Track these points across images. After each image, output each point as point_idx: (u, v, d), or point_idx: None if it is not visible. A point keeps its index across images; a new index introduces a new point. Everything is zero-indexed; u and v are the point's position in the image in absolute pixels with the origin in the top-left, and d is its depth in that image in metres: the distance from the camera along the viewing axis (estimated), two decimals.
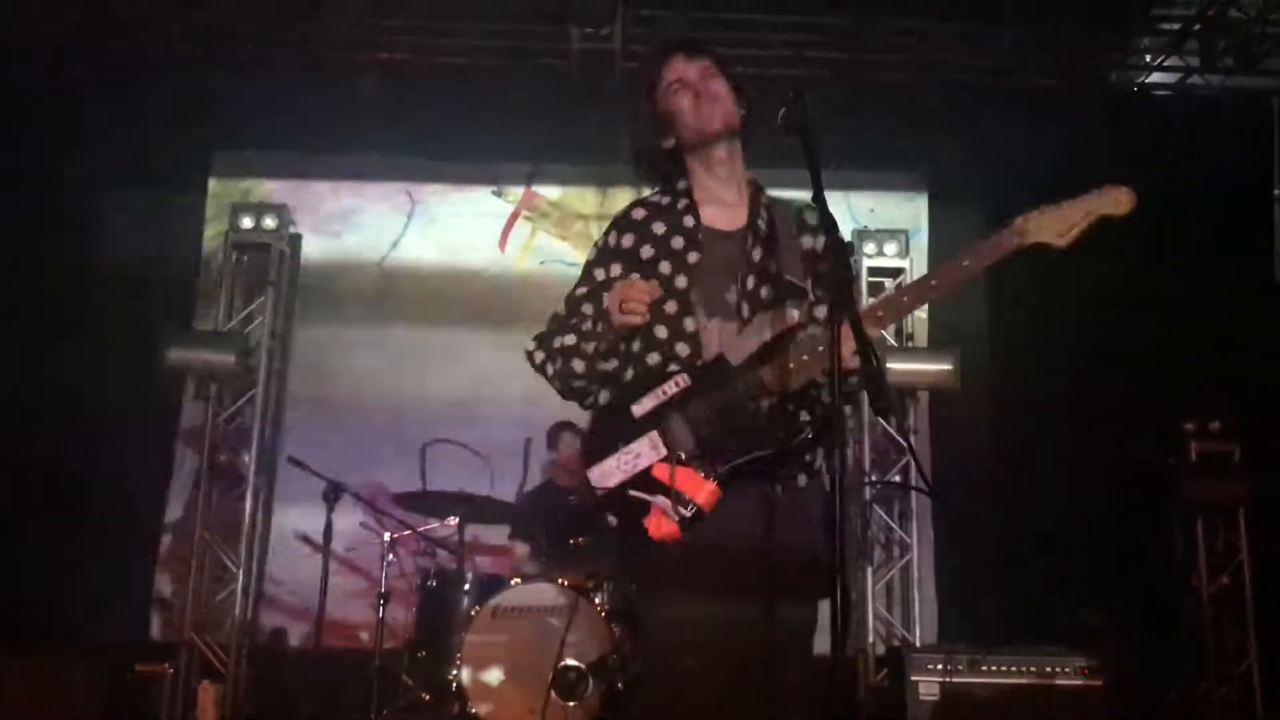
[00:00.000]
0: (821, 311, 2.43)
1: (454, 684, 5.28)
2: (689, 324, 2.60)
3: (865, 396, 2.66)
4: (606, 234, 2.83)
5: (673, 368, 2.56)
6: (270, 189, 7.52)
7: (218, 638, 6.67)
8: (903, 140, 7.07)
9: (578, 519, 5.78)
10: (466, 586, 5.55)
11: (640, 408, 2.53)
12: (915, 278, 6.67)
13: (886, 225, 7.26)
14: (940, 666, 5.10)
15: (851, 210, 7.42)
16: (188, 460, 7.06)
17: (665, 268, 2.66)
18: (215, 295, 7.15)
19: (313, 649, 5.80)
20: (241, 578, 6.67)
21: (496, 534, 6.38)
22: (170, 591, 6.86)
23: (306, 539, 6.53)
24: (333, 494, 5.77)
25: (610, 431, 2.55)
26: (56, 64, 6.25)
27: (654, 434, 2.50)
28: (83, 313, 6.98)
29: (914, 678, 5.11)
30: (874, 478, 6.93)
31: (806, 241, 2.71)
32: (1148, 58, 6.63)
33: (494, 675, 5.26)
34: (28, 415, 6.59)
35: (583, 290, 2.80)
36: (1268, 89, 6.59)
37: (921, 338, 7.22)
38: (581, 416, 6.57)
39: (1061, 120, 6.70)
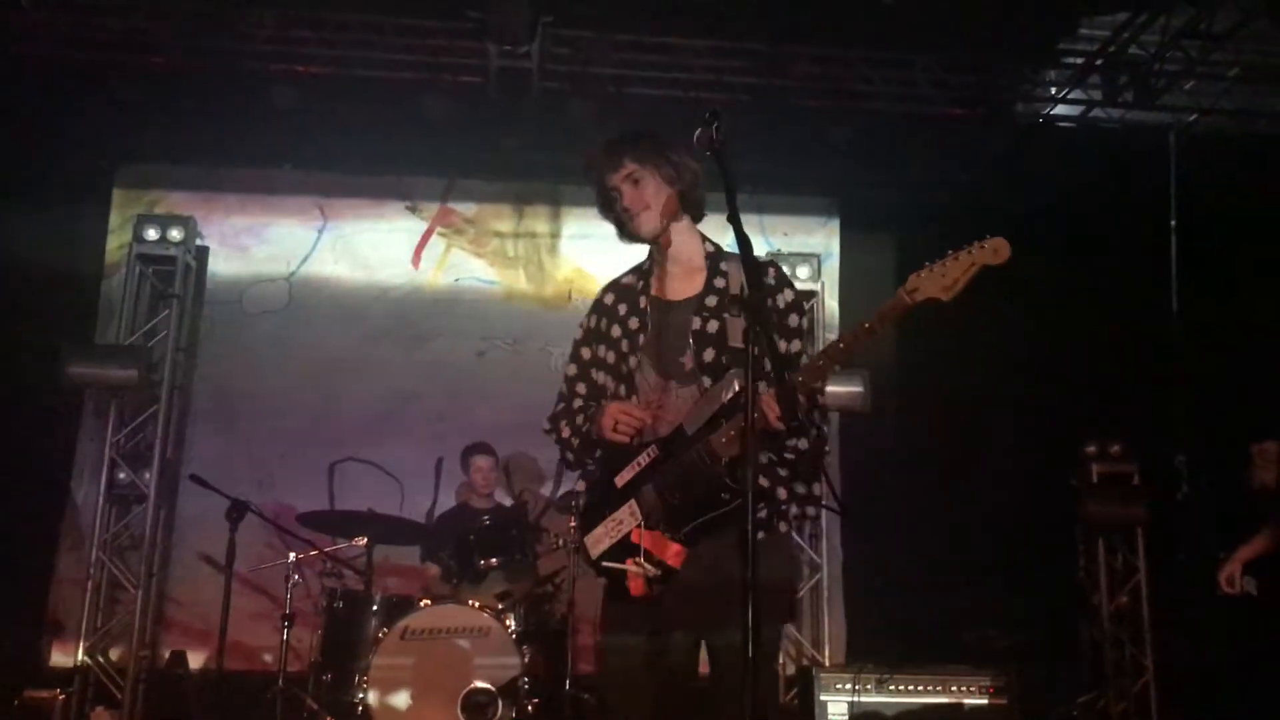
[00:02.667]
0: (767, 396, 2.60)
1: (360, 707, 5.19)
2: (635, 404, 2.86)
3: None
4: (588, 316, 3.13)
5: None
6: (177, 200, 7.34)
7: (114, 662, 6.47)
8: (816, 165, 7.18)
9: (489, 540, 5.73)
10: (374, 608, 5.46)
11: (621, 479, 2.83)
12: (822, 309, 6.76)
13: (799, 249, 7.35)
14: (849, 686, 5.15)
15: (765, 233, 7.50)
16: (86, 477, 6.84)
17: (624, 346, 2.95)
18: (118, 308, 6.94)
19: (214, 672, 5.64)
20: (140, 598, 6.46)
21: (406, 555, 6.29)
22: (64, 613, 6.62)
23: (209, 559, 6.36)
24: (236, 513, 5.63)
25: (600, 501, 2.86)
26: None
27: (632, 502, 2.79)
28: None
29: (823, 697, 5.16)
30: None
31: (772, 300, 2.86)
32: (1053, 90, 6.83)
33: (402, 698, 5.17)
34: None
35: (573, 370, 3.15)
36: (1165, 124, 6.83)
37: None
38: (491, 436, 6.53)
39: (969, 148, 6.87)
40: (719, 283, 2.89)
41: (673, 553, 2.68)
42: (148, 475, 6.67)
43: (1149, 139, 6.82)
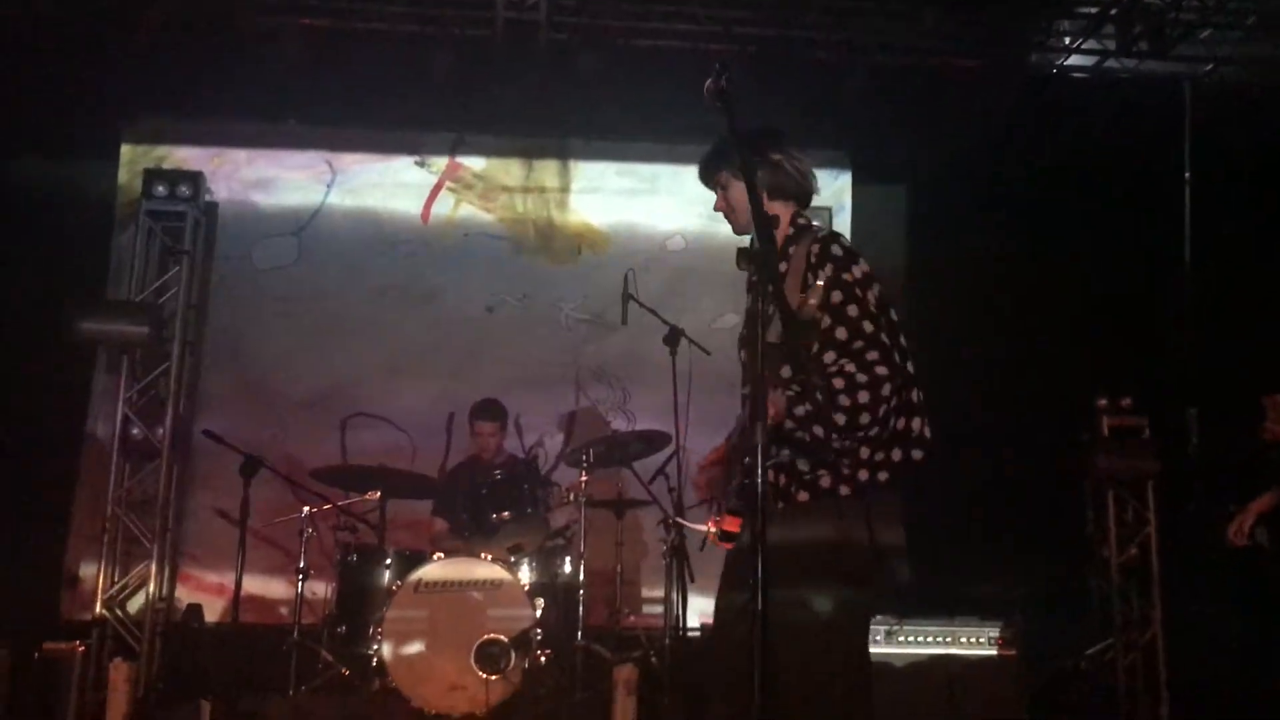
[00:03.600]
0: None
1: (374, 659, 5.26)
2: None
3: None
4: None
5: None
6: (185, 156, 7.31)
7: (131, 615, 6.55)
8: (826, 119, 7.12)
9: (501, 494, 5.77)
10: (387, 561, 5.52)
11: None
12: None
13: (810, 203, 7.29)
14: None
15: None
16: (99, 433, 6.89)
17: None
18: (128, 265, 6.95)
19: (230, 624, 5.71)
20: (156, 553, 6.53)
21: (418, 509, 6.33)
22: (81, 568, 6.70)
23: (223, 513, 6.40)
24: (250, 468, 5.68)
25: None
26: None
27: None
28: None
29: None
30: None
31: (809, 277, 2.87)
32: (1066, 40, 6.75)
33: (415, 649, 5.24)
34: None
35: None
36: (1180, 74, 6.76)
37: None
38: (497, 396, 6.57)
39: (981, 101, 6.80)
40: (783, 265, 2.93)
41: (728, 521, 2.92)
42: (161, 431, 6.71)
43: (1164, 90, 6.76)
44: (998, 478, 6.64)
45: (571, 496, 5.79)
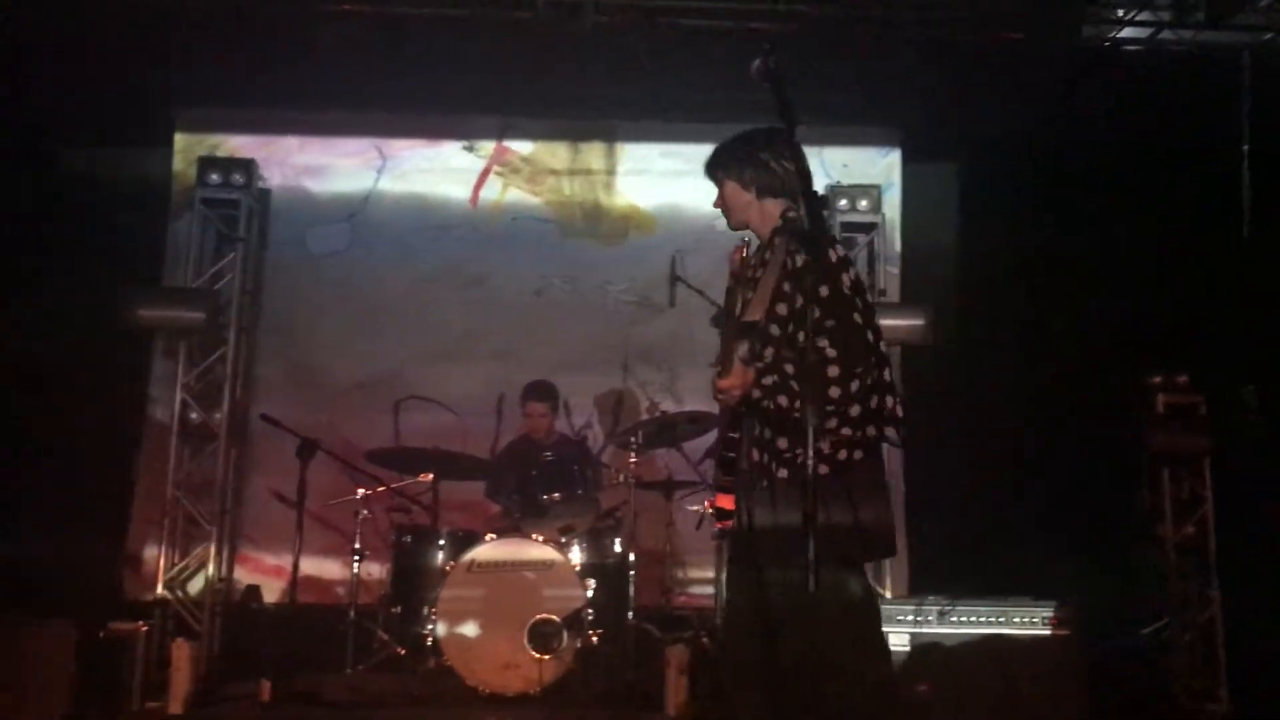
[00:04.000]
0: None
1: (429, 638, 5.34)
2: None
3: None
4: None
5: None
6: (238, 144, 7.40)
7: (191, 596, 6.68)
8: (875, 95, 7.06)
9: (551, 475, 5.81)
10: (441, 542, 5.59)
11: None
12: (883, 241, 6.67)
13: (860, 180, 7.25)
14: (910, 617, 5.17)
15: (824, 165, 7.40)
16: (159, 418, 7.02)
17: None
18: (184, 252, 7.06)
19: (288, 605, 5.81)
20: (215, 535, 6.66)
21: (470, 490, 6.39)
22: (142, 550, 6.84)
23: (280, 496, 6.51)
24: (306, 451, 5.76)
25: None
26: (19, 17, 6.11)
27: None
28: (50, 271, 6.89)
29: (884, 629, 5.17)
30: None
31: (789, 262, 3.05)
32: (1119, 12, 6.61)
33: (469, 629, 5.31)
34: None
35: None
36: (1238, 44, 6.60)
37: (894, 293, 7.25)
38: (549, 374, 6.63)
39: (1032, 75, 6.70)
40: (766, 254, 3.17)
41: (720, 499, 3.04)
42: (218, 415, 6.83)
43: (1221, 61, 6.61)
44: (1051, 456, 6.58)
45: (621, 477, 5.83)
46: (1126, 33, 6.68)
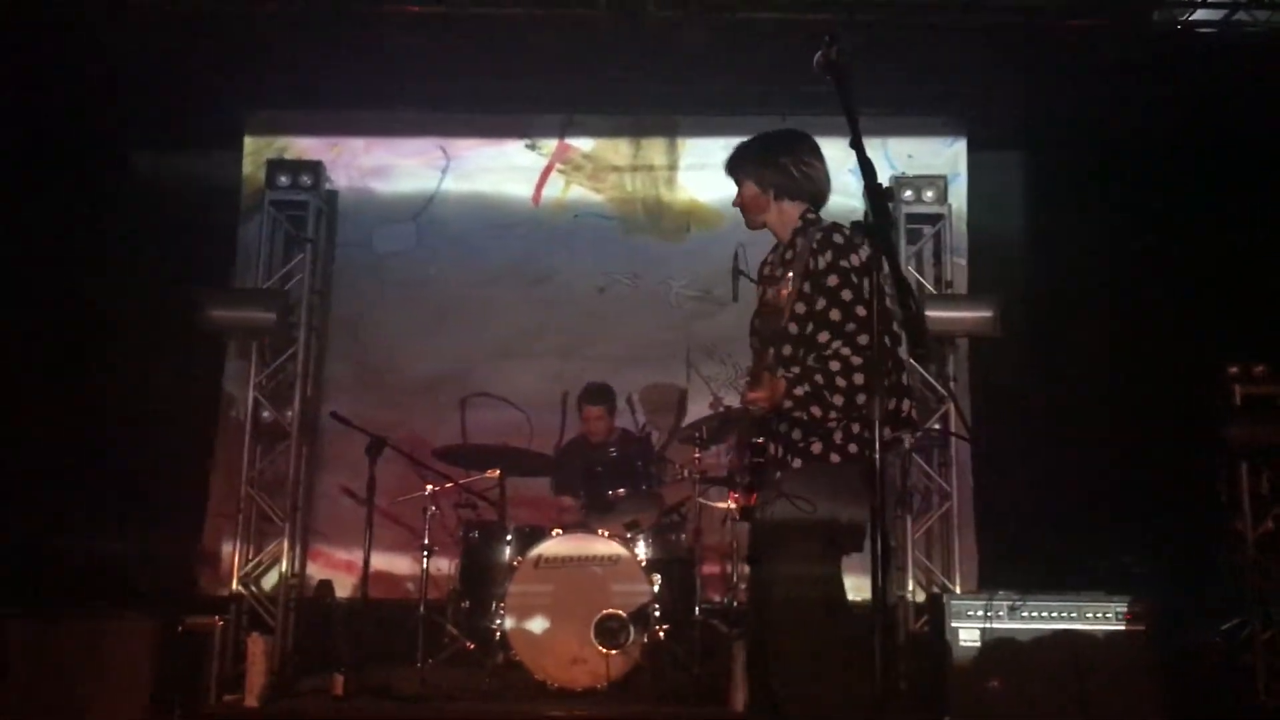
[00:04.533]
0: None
1: (497, 633, 5.39)
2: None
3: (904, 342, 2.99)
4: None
5: None
6: (305, 146, 7.52)
7: (265, 591, 6.81)
8: (941, 84, 6.97)
9: (616, 471, 5.83)
10: (508, 538, 5.64)
11: None
12: (950, 232, 6.57)
13: (925, 171, 7.17)
14: (980, 613, 5.11)
15: (889, 156, 7.33)
16: (232, 417, 7.16)
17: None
18: (254, 253, 7.19)
19: (359, 600, 5.90)
20: (287, 531, 6.77)
21: (536, 486, 6.44)
22: (218, 546, 6.97)
23: (350, 492, 6.61)
24: (375, 448, 5.85)
25: None
26: (94, 23, 6.25)
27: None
28: (128, 274, 7.07)
29: (954, 624, 5.13)
30: None
31: (811, 263, 3.14)
32: None
33: (537, 624, 5.34)
34: (76, 374, 6.70)
35: None
36: None
37: (961, 284, 7.17)
38: (610, 375, 6.66)
39: (1102, 61, 6.57)
40: (788, 254, 3.26)
41: (734, 498, 3.27)
42: (290, 414, 6.94)
43: None
44: (1125, 449, 6.46)
45: (685, 473, 5.82)
46: (1200, 15, 6.52)
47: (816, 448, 3.05)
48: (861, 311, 3.02)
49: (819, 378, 2.99)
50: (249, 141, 7.56)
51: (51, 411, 6.55)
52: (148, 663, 4.85)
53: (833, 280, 3.07)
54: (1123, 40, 6.51)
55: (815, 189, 3.32)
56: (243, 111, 7.54)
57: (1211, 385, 6.24)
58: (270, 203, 7.12)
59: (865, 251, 3.05)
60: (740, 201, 3.41)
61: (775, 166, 3.32)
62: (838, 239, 3.12)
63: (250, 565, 6.82)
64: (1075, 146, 7.00)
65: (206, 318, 6.70)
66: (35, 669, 4.79)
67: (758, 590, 3.19)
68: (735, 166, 3.43)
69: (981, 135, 7.45)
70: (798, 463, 3.07)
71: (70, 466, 6.50)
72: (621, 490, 5.72)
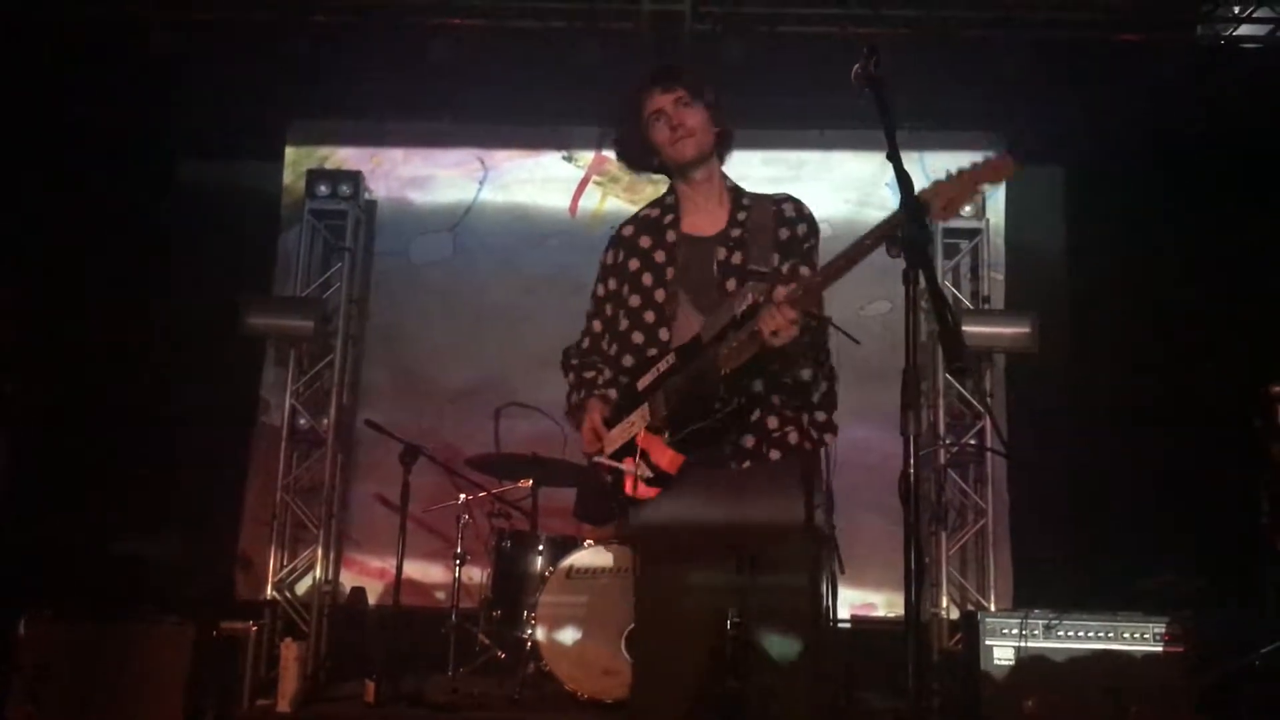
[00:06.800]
0: (781, 291, 2.63)
1: (529, 642, 5.39)
2: (663, 334, 2.95)
3: (940, 357, 2.94)
4: (605, 250, 3.21)
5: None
6: (345, 156, 7.61)
7: (299, 596, 6.86)
8: (980, 98, 6.93)
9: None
10: (540, 548, 5.64)
11: (642, 383, 2.93)
12: (988, 247, 6.53)
13: None
14: (1015, 631, 5.06)
15: (926, 170, 7.24)
16: (269, 424, 7.22)
17: (647, 279, 3.02)
18: (293, 262, 7.26)
19: (392, 607, 5.93)
20: (322, 538, 6.82)
21: (569, 496, 6.42)
22: (253, 551, 7.03)
23: (384, 500, 6.65)
24: (409, 456, 5.88)
25: (622, 405, 2.99)
26: (140, 34, 6.35)
27: (644, 405, 2.88)
28: (165, 278, 7.16)
29: (988, 642, 5.08)
30: (949, 441, 6.85)
31: (783, 233, 3.00)
32: (1236, 9, 6.40)
33: (568, 635, 5.34)
34: (114, 380, 6.78)
35: (590, 308, 3.28)
36: None
37: (998, 300, 7.11)
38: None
39: (1144, 75, 6.51)
40: (740, 215, 3.01)
41: (668, 459, 2.79)
42: (326, 421, 7.00)
43: None
44: (1166, 467, 6.37)
45: None
46: (1244, 30, 6.46)
47: (794, 437, 2.86)
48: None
49: (827, 384, 2.92)
50: (290, 151, 7.65)
51: (93, 417, 6.64)
52: (184, 667, 4.90)
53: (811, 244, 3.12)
54: (1165, 55, 6.46)
55: (728, 152, 3.16)
56: (285, 122, 7.63)
57: (1255, 403, 6.16)
58: (310, 212, 7.20)
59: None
60: (694, 125, 3.02)
61: (724, 114, 3.08)
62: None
63: (285, 571, 6.87)
64: (1115, 161, 6.93)
65: (245, 324, 6.78)
66: (75, 670, 4.85)
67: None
68: (696, 83, 3.08)
69: (1020, 149, 7.39)
70: (775, 454, 2.84)
71: (110, 470, 6.58)
72: None
